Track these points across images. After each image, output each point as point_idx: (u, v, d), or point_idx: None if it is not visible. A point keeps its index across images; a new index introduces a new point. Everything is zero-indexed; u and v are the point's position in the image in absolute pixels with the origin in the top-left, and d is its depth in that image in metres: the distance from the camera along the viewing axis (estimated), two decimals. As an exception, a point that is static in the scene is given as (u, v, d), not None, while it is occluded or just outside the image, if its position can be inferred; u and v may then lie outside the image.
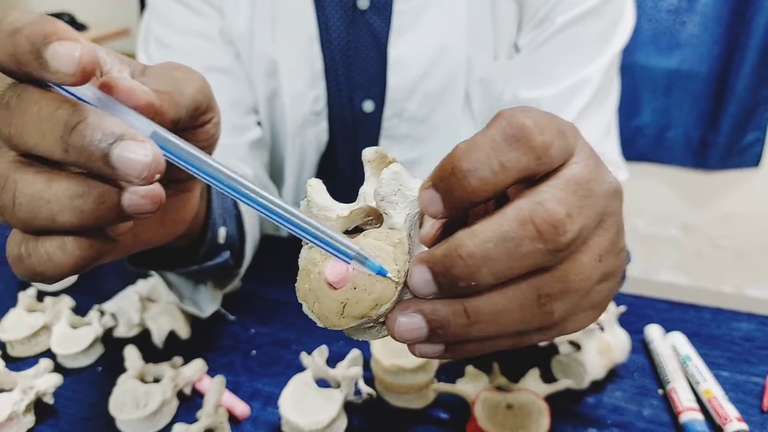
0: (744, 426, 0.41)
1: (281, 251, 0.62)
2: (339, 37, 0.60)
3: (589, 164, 0.23)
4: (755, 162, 1.60)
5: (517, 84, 0.58)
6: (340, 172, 0.68)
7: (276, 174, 0.68)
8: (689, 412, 0.43)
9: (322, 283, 0.23)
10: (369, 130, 0.64)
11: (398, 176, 0.23)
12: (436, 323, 0.22)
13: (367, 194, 0.25)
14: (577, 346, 0.45)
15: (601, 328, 0.47)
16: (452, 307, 0.22)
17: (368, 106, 0.63)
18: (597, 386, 0.46)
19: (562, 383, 0.42)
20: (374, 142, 0.64)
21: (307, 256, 0.25)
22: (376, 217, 0.26)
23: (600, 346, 0.45)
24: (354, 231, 0.26)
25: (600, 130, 0.58)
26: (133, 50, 1.84)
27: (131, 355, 0.44)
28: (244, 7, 0.59)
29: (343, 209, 0.25)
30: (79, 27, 1.64)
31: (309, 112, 0.62)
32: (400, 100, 0.60)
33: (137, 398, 0.41)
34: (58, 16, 1.62)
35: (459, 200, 0.21)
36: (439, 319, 0.22)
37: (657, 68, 1.54)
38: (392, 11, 0.57)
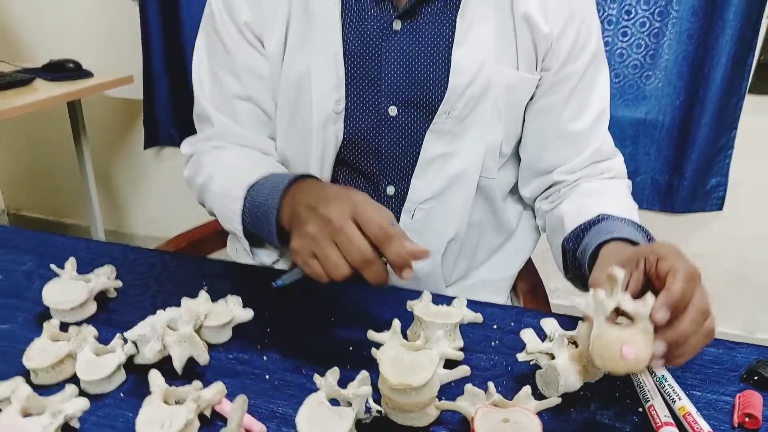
0: (714, 437, 0.46)
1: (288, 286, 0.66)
2: (369, 50, 0.72)
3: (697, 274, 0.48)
4: (719, 206, 1.69)
5: (560, 121, 0.76)
6: (361, 168, 0.77)
7: (302, 165, 0.77)
8: (667, 427, 0.47)
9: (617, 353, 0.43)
10: (392, 132, 0.74)
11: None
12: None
13: (622, 301, 0.45)
14: (552, 356, 0.50)
15: (575, 344, 0.52)
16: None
17: (392, 110, 0.73)
18: (585, 405, 0.51)
19: (552, 401, 0.47)
20: (396, 143, 0.75)
21: (608, 333, 0.45)
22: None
23: (570, 354, 0.50)
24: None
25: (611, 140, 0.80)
26: (137, 96, 1.90)
27: (155, 378, 0.47)
28: (279, 29, 0.72)
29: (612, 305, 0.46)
30: (85, 74, 1.69)
31: (332, 111, 0.72)
32: (453, 100, 0.71)
33: (162, 419, 0.44)
34: (65, 63, 1.68)
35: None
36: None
37: (624, 118, 1.64)
38: (437, 28, 0.71)
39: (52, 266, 0.61)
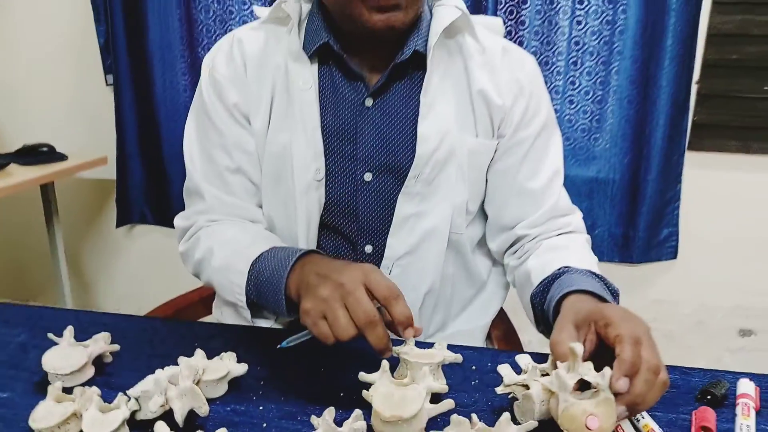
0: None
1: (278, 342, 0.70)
2: (345, 125, 0.80)
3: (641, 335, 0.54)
4: (673, 254, 1.79)
5: (517, 180, 0.84)
6: (341, 230, 0.83)
7: (290, 229, 0.82)
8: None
9: (582, 424, 0.49)
10: (368, 196, 0.81)
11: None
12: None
13: (583, 372, 0.52)
14: (527, 386, 0.55)
15: (545, 374, 0.57)
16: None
17: (368, 176, 0.80)
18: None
19: (530, 423, 0.51)
20: (372, 206, 0.81)
21: (573, 407, 0.50)
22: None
23: (544, 384, 0.55)
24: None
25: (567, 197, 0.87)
26: (111, 176, 1.93)
27: (162, 428, 0.50)
28: (264, 108, 0.81)
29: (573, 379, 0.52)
30: (59, 157, 1.73)
31: (312, 179, 0.79)
32: (420, 165, 0.78)
33: (172, 464, 0.47)
34: (39, 147, 1.72)
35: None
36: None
37: (578, 177, 1.76)
38: (404, 102, 0.80)
39: (50, 335, 0.64)
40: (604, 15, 1.63)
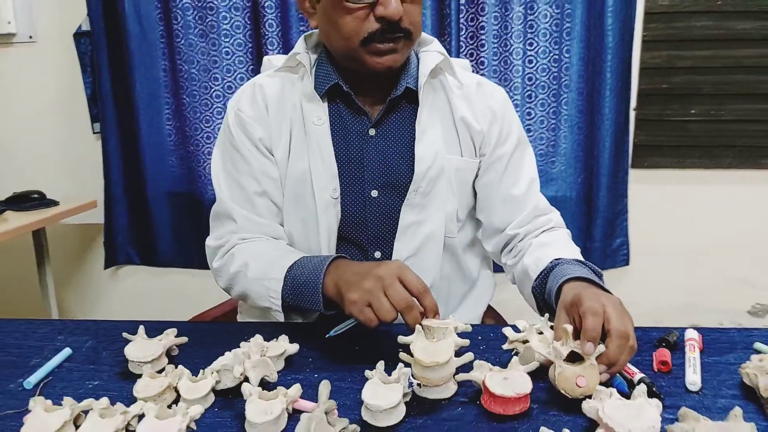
0: (644, 376, 0.67)
1: (314, 331, 0.82)
2: (353, 151, 0.95)
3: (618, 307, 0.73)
4: (626, 261, 2.00)
5: (501, 190, 1.00)
6: (353, 239, 0.98)
7: (308, 242, 0.97)
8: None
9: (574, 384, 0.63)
10: (375, 210, 0.96)
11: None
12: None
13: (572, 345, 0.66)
14: (526, 341, 0.70)
15: (540, 332, 0.72)
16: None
17: (374, 193, 0.96)
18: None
19: (533, 364, 0.66)
20: (379, 218, 0.96)
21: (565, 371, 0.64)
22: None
23: (539, 337, 0.70)
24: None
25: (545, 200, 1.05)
26: (98, 220, 2.00)
27: (249, 387, 0.62)
28: (284, 141, 0.96)
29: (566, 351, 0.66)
30: (50, 203, 1.81)
31: (330, 198, 0.93)
32: (418, 181, 0.94)
33: (265, 409, 0.59)
34: (30, 194, 1.80)
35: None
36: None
37: (539, 197, 1.96)
38: (401, 130, 0.97)
39: (124, 334, 0.75)
40: (552, 54, 1.86)
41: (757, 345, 0.78)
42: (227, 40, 1.89)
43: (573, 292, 0.76)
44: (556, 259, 0.90)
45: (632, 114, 1.91)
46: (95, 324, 0.88)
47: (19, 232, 1.65)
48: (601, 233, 1.97)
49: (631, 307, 0.77)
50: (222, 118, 1.90)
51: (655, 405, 0.58)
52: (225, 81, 1.92)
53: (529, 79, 1.88)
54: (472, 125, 0.98)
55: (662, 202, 1.98)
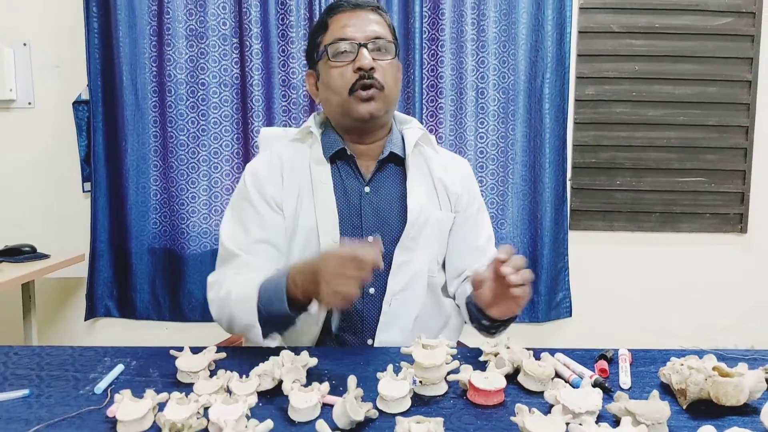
0: (597, 376, 0.89)
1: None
2: (352, 206, 1.16)
3: None
4: (569, 313, 2.26)
5: (467, 241, 1.24)
6: None
7: None
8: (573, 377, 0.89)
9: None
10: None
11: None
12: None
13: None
14: (496, 354, 0.91)
15: (507, 347, 0.93)
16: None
17: (370, 239, 1.15)
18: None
19: (506, 368, 0.87)
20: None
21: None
22: None
23: (506, 351, 0.91)
24: None
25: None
26: (83, 274, 2.11)
27: (290, 384, 0.79)
28: (293, 198, 1.15)
29: None
30: (41, 256, 1.91)
31: (332, 241, 1.12)
32: (410, 227, 1.14)
33: (305, 398, 0.77)
34: (21, 247, 1.90)
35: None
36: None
37: (491, 255, 2.21)
38: (390, 188, 1.19)
39: (172, 352, 0.91)
40: (499, 131, 2.17)
41: (672, 359, 1.02)
42: (216, 111, 2.11)
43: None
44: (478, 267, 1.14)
45: (568, 184, 2.22)
46: (132, 349, 1.03)
47: (12, 284, 1.74)
48: (546, 288, 2.22)
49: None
50: (207, 180, 2.10)
51: (597, 392, 0.80)
52: (212, 147, 2.12)
53: (481, 152, 2.17)
54: (448, 186, 1.22)
55: (597, 260, 2.28)
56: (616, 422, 0.76)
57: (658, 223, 2.27)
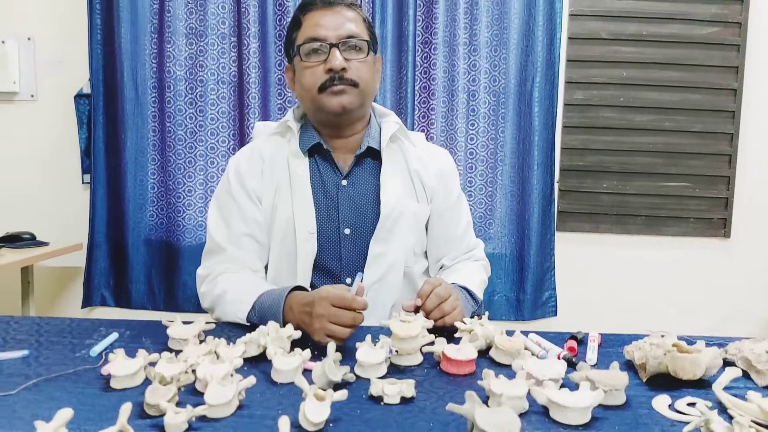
0: (566, 353, 0.94)
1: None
2: (329, 198, 1.20)
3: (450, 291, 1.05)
4: (554, 312, 2.31)
5: (446, 231, 1.30)
6: (329, 271, 1.21)
7: (291, 271, 1.19)
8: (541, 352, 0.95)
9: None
10: (347, 244, 1.20)
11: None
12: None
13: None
14: (471, 331, 0.96)
15: (482, 325, 0.99)
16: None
17: (347, 231, 1.20)
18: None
19: (479, 342, 0.92)
20: (351, 251, 1.20)
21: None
22: None
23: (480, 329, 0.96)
24: None
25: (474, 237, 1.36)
26: (81, 264, 2.17)
27: (273, 349, 0.85)
28: (272, 191, 1.21)
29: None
30: (40, 243, 1.96)
31: (308, 233, 1.17)
32: (384, 220, 1.18)
33: (287, 362, 0.82)
34: (22, 234, 1.95)
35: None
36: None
37: (479, 253, 2.26)
38: (367, 181, 1.23)
39: (164, 321, 0.96)
40: (489, 133, 2.23)
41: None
42: (213, 108, 2.17)
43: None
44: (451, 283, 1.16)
45: (556, 186, 2.28)
46: (127, 321, 1.08)
47: (11, 268, 1.80)
48: (532, 287, 2.28)
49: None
50: (203, 174, 2.16)
51: (562, 363, 0.85)
52: (209, 143, 2.18)
53: (471, 153, 2.23)
54: (424, 179, 1.27)
55: (583, 261, 2.33)
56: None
57: (643, 226, 2.33)
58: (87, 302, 2.23)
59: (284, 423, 0.63)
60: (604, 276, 2.34)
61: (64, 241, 2.06)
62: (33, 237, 1.98)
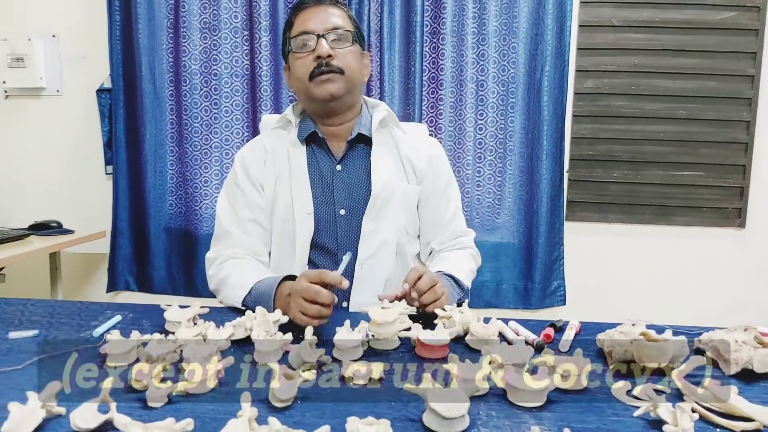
0: (540, 340, 0.98)
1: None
2: (325, 182, 1.28)
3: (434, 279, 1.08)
4: (563, 301, 2.33)
5: (434, 215, 1.35)
6: (326, 249, 1.28)
7: (291, 250, 1.27)
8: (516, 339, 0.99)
9: None
10: (343, 223, 1.28)
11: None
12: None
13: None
14: (449, 318, 1.01)
15: (461, 312, 1.03)
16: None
17: (342, 211, 1.28)
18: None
19: (455, 329, 0.97)
20: (346, 229, 1.27)
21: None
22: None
23: (459, 316, 1.00)
24: None
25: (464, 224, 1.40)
26: (105, 250, 2.29)
27: (257, 332, 0.91)
28: (273, 178, 1.27)
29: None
30: (66, 231, 2.08)
31: (305, 213, 1.25)
32: (374, 199, 1.26)
33: (273, 345, 0.88)
34: (49, 222, 2.07)
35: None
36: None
37: (486, 242, 2.28)
38: (360, 165, 1.29)
39: (161, 305, 1.04)
40: (498, 123, 2.25)
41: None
42: (227, 100, 2.24)
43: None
44: (437, 271, 1.22)
45: (565, 176, 2.29)
46: (132, 305, 1.16)
47: (40, 253, 1.91)
48: (541, 276, 2.30)
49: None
50: (219, 165, 2.24)
51: (529, 349, 0.89)
52: (223, 134, 2.26)
53: (479, 143, 2.25)
54: (413, 162, 1.34)
55: (592, 250, 2.34)
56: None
57: (653, 215, 2.32)
58: (112, 287, 2.35)
59: (245, 398, 0.69)
60: (614, 265, 2.34)
61: (88, 229, 2.18)
62: (59, 225, 2.10)
